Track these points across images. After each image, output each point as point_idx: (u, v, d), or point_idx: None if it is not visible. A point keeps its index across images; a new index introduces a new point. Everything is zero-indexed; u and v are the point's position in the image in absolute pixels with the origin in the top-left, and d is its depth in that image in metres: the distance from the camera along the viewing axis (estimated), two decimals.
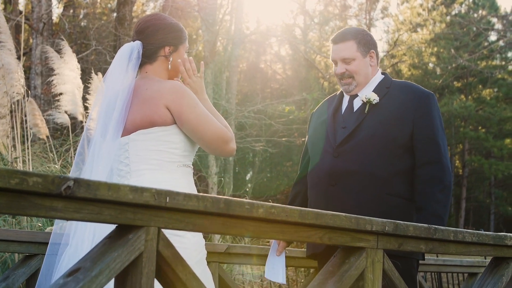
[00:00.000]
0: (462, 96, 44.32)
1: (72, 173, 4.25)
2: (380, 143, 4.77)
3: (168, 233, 2.72)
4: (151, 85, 4.12)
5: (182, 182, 4.09)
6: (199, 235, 4.05)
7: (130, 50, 4.20)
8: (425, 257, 7.09)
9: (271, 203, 2.89)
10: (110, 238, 2.55)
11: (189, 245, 3.92)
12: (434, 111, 4.86)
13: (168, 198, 2.52)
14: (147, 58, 4.25)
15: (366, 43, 5.04)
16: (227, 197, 2.73)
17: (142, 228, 2.53)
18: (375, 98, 4.88)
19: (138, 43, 4.23)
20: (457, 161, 48.93)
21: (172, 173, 4.06)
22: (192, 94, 4.13)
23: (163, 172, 4.03)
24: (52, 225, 7.81)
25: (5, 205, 2.17)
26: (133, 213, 2.49)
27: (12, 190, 2.15)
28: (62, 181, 2.23)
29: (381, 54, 40.51)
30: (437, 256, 9.54)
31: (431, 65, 44.57)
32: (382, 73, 5.17)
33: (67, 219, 2.40)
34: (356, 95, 5.03)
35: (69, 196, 2.26)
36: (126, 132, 4.05)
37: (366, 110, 4.89)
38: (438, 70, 43.79)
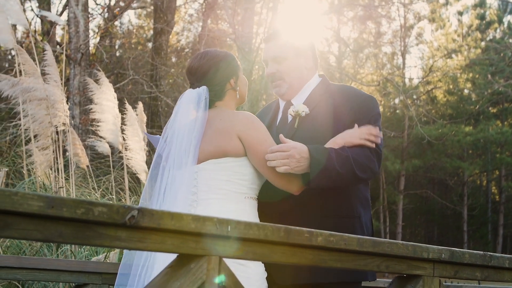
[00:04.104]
0: (498, 122, 43.98)
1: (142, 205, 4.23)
2: None
3: (232, 261, 2.72)
4: (224, 116, 4.13)
5: (249, 214, 4.05)
6: (262, 266, 4.01)
7: (197, 97, 4.15)
8: (467, 285, 6.92)
9: (329, 232, 2.87)
10: (172, 268, 2.55)
11: (252, 275, 3.89)
12: (371, 114, 4.44)
13: (229, 227, 2.52)
14: (216, 97, 4.23)
15: (301, 42, 4.65)
16: (287, 226, 2.72)
17: (204, 257, 2.53)
18: (304, 110, 4.45)
19: (204, 89, 4.19)
20: (494, 187, 48.54)
21: (239, 204, 4.03)
22: (264, 128, 4.13)
23: (230, 203, 4.01)
24: (98, 254, 7.85)
25: (71, 235, 2.19)
26: (195, 242, 2.49)
27: (78, 220, 2.16)
28: (126, 210, 2.24)
29: (416, 81, 40.39)
30: (479, 283, 9.45)
31: (466, 91, 44.35)
32: (320, 76, 4.75)
33: (130, 249, 2.41)
34: (291, 104, 4.60)
35: (133, 226, 2.27)
36: (197, 161, 4.06)
37: (296, 124, 4.48)
38: (473, 96, 43.56)
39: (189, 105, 4.15)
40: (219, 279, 2.55)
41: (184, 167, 4.03)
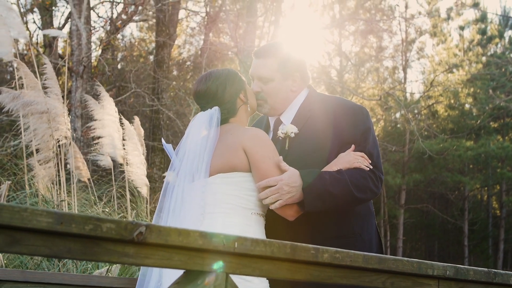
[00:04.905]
0: (499, 137, 43.89)
1: (155, 221, 4.23)
2: None
3: (238, 277, 2.72)
4: (234, 131, 4.19)
5: (254, 230, 4.06)
6: (266, 282, 4.00)
7: (209, 117, 4.21)
8: None
9: (335, 248, 2.87)
10: (179, 284, 2.55)
11: None
12: (366, 126, 4.44)
13: (236, 243, 2.52)
14: (230, 115, 4.31)
15: (290, 64, 4.56)
16: (293, 243, 2.72)
17: (210, 273, 2.53)
18: (293, 130, 4.42)
19: (216, 109, 4.25)
20: (494, 202, 48.43)
21: (244, 219, 4.05)
22: (272, 146, 4.15)
23: (236, 217, 4.02)
24: (99, 268, 7.84)
25: (80, 251, 2.19)
26: (202, 258, 2.49)
27: (86, 236, 2.17)
28: (134, 227, 2.24)
29: (417, 95, 40.39)
30: None
31: (467, 105, 44.26)
32: (308, 87, 4.70)
33: (138, 265, 2.41)
34: (281, 122, 4.57)
35: (141, 242, 2.27)
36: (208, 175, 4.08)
37: (286, 146, 4.42)
38: (474, 111, 43.46)
39: (201, 126, 4.18)
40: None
41: (197, 183, 4.05)
